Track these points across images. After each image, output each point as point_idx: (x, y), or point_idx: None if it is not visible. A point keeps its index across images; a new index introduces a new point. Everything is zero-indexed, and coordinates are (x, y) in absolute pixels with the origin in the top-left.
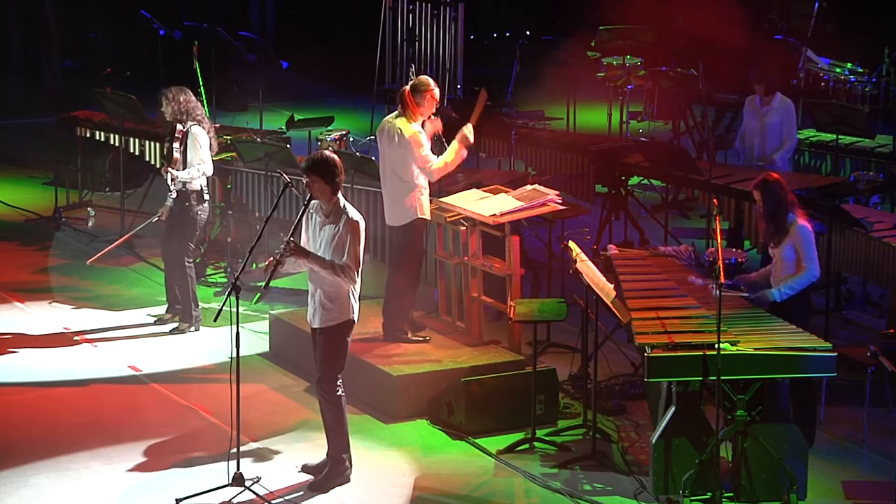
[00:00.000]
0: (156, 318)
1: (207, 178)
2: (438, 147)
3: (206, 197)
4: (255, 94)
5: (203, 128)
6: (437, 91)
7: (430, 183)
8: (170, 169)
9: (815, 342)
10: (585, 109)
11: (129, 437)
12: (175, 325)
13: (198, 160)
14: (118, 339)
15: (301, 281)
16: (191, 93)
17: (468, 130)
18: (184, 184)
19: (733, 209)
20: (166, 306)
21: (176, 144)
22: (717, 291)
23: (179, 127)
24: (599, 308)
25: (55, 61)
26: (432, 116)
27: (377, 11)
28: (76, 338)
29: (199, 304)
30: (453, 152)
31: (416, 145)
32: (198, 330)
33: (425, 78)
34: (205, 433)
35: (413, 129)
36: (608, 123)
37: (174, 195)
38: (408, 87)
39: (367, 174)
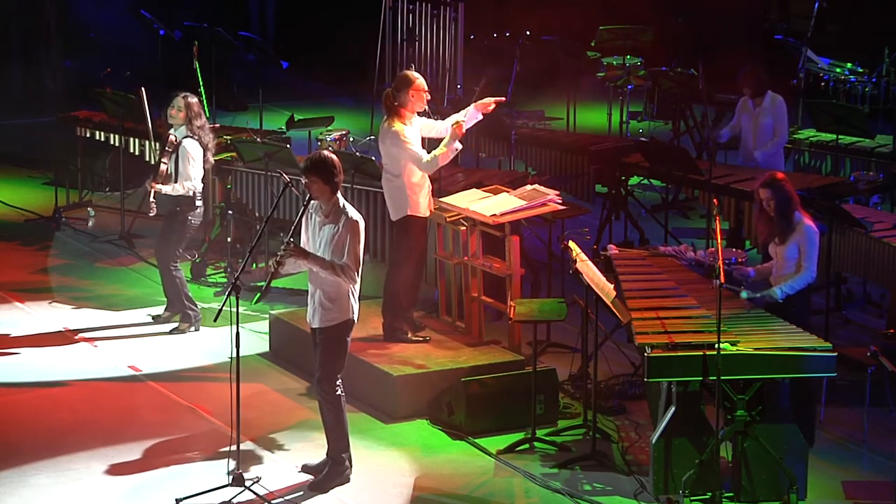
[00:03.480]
0: (155, 317)
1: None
2: (437, 144)
3: (199, 203)
4: (255, 94)
5: (202, 140)
6: (420, 82)
7: (430, 180)
8: (155, 184)
9: (815, 342)
10: (585, 109)
11: (129, 437)
12: (175, 325)
13: (186, 176)
14: (118, 339)
15: (301, 281)
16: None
17: (459, 122)
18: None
19: (733, 209)
20: (165, 305)
21: (165, 159)
22: (719, 291)
23: (172, 138)
24: (599, 308)
25: (55, 61)
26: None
27: (377, 11)
28: (76, 338)
29: (198, 304)
30: (444, 146)
31: (402, 142)
32: (198, 330)
33: (405, 74)
34: (205, 433)
35: (397, 126)
36: (608, 123)
37: (153, 212)
38: (389, 89)
39: (367, 174)
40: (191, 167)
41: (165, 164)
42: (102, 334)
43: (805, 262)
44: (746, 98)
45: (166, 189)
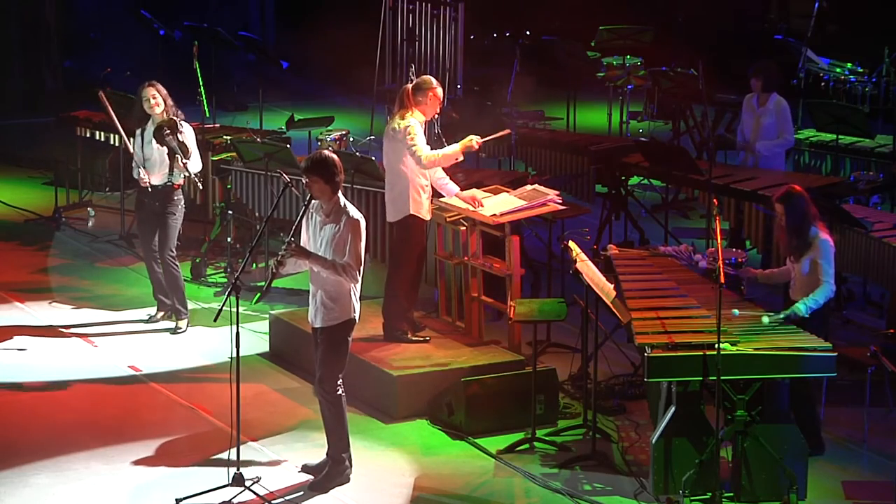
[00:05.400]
0: (148, 317)
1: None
2: (438, 144)
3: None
4: (255, 94)
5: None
6: (440, 91)
7: (430, 183)
8: (185, 165)
9: (815, 342)
10: (585, 109)
11: (129, 437)
12: (173, 325)
13: (195, 153)
14: (118, 339)
15: (302, 281)
16: None
17: (476, 141)
18: (170, 179)
19: (733, 209)
20: (157, 305)
21: (180, 137)
22: (719, 291)
23: (174, 121)
24: (599, 308)
25: (55, 61)
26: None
27: (377, 11)
28: (76, 338)
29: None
30: (451, 150)
31: (409, 135)
32: (187, 325)
33: (429, 77)
34: (205, 433)
35: (408, 121)
36: (608, 123)
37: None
38: (410, 86)
39: (367, 174)
40: (192, 146)
41: (178, 143)
42: (102, 334)
43: (822, 275)
44: (751, 97)
45: (193, 168)
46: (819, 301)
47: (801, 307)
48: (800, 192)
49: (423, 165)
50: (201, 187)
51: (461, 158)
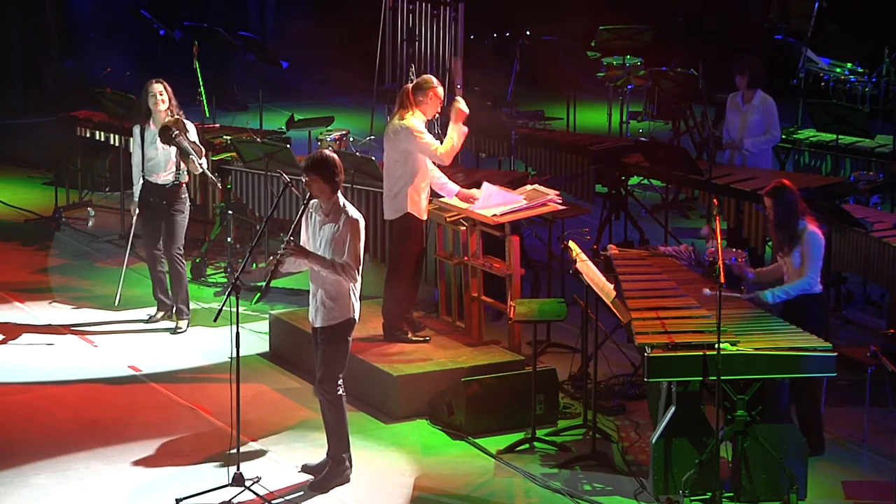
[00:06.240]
0: (148, 317)
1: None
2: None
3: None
4: (255, 94)
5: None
6: (440, 90)
7: (429, 184)
8: (202, 161)
9: (815, 342)
10: (585, 109)
11: (129, 437)
12: (173, 325)
13: (200, 152)
14: (118, 339)
15: (301, 281)
16: None
17: (460, 104)
18: (177, 178)
19: (733, 209)
20: (156, 305)
21: (186, 141)
22: (718, 291)
23: (181, 122)
24: (599, 308)
25: (55, 61)
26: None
27: (377, 11)
28: (76, 337)
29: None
30: (454, 131)
31: (416, 134)
32: (187, 325)
33: (429, 77)
34: (205, 433)
35: (409, 121)
36: (608, 123)
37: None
38: (410, 85)
39: (367, 174)
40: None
41: (190, 143)
42: (102, 334)
43: (805, 266)
44: (735, 95)
45: (203, 164)
46: (790, 292)
47: (768, 294)
48: (789, 187)
49: (441, 160)
50: (220, 186)
51: (466, 129)
